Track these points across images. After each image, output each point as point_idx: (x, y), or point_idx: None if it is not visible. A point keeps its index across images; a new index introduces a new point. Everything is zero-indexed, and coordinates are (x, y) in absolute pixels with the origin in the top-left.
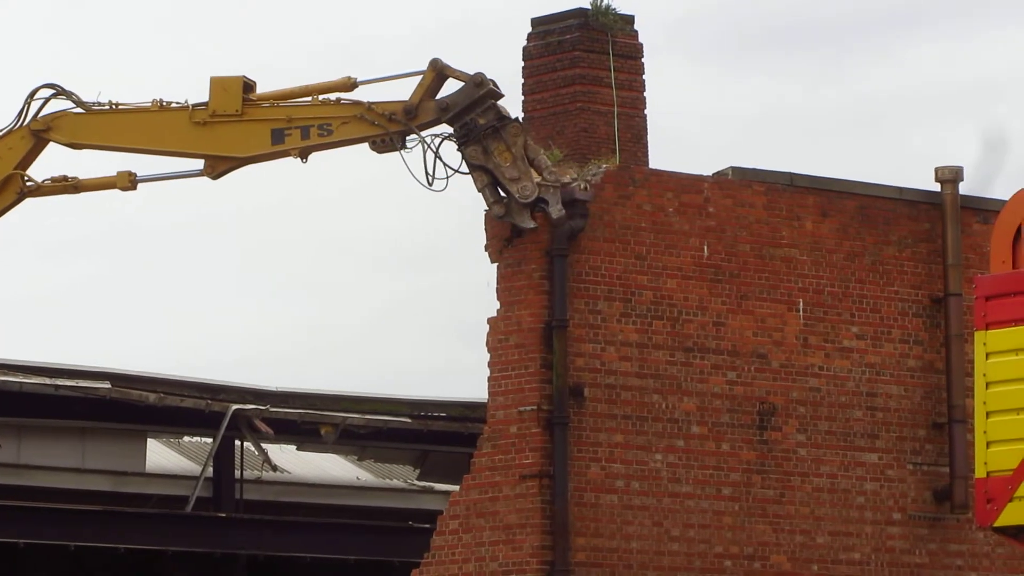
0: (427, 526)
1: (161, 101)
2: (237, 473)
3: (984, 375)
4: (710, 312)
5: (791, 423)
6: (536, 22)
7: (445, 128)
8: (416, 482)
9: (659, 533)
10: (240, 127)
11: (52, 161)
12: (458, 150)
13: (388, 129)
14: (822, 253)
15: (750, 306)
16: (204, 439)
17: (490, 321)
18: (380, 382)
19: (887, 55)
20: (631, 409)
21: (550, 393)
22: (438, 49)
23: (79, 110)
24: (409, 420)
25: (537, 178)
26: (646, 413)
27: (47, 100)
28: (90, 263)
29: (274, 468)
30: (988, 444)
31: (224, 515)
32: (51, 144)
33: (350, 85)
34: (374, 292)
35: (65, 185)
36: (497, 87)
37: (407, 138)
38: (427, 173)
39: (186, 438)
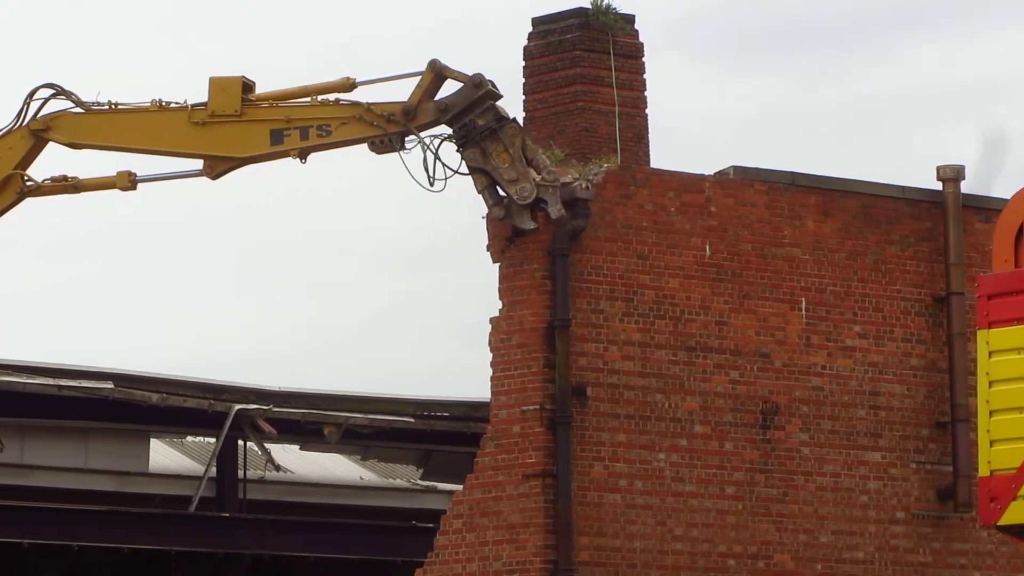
0: (430, 526)
1: (160, 101)
2: (240, 473)
3: (987, 374)
4: (712, 311)
5: (794, 422)
6: (537, 22)
7: (444, 129)
8: (419, 482)
9: (662, 532)
10: (239, 127)
11: (52, 161)
12: (457, 151)
13: (387, 130)
14: (824, 252)
15: (752, 305)
16: (207, 439)
17: (492, 321)
18: (380, 382)
19: (887, 55)
20: (634, 408)
21: (553, 393)
22: (438, 49)
23: (79, 110)
24: (412, 420)
25: (537, 177)
26: (649, 412)
27: (47, 100)
28: (90, 263)
29: (277, 468)
30: (991, 443)
31: (227, 515)
32: (51, 144)
33: (349, 86)
34: (374, 292)
35: (65, 185)
36: (496, 88)
37: (406, 139)
38: (427, 174)
39: (189, 438)
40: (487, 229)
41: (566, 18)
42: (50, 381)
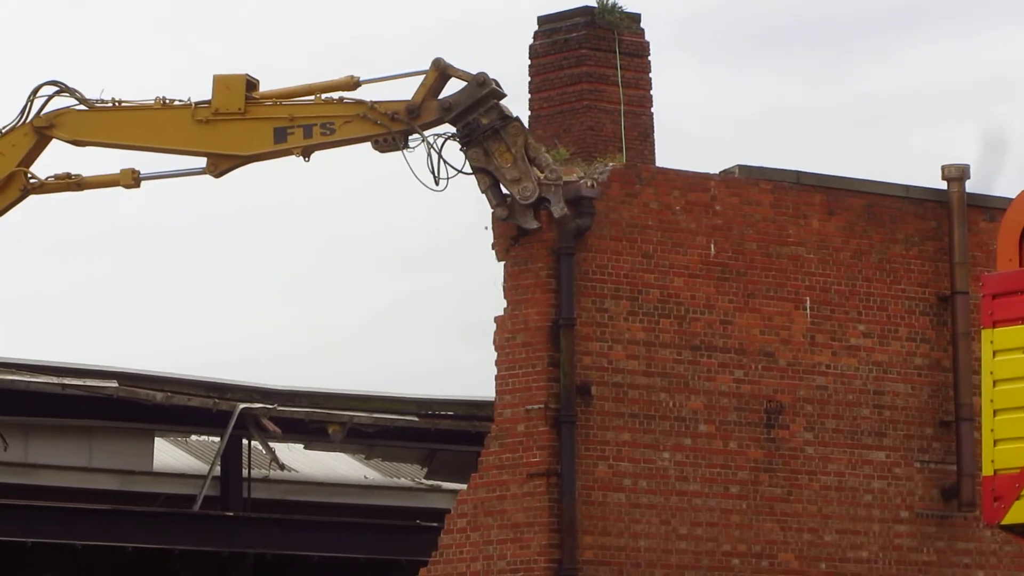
0: (435, 525)
1: (164, 99)
2: (245, 472)
3: (991, 373)
4: (717, 310)
5: (798, 421)
6: (542, 20)
7: (448, 128)
8: (424, 481)
9: (667, 531)
10: (243, 125)
11: (55, 158)
12: (461, 150)
13: (391, 128)
14: (829, 251)
15: (757, 304)
16: (211, 438)
17: (497, 320)
18: (381, 382)
19: (887, 55)
20: (638, 407)
21: (557, 391)
22: (438, 49)
23: (82, 107)
24: (416, 419)
25: (539, 176)
26: (653, 411)
27: (50, 97)
28: (90, 263)
29: (281, 467)
30: (995, 442)
31: (232, 514)
32: (54, 141)
33: (353, 84)
34: (375, 292)
35: (68, 182)
36: (499, 87)
37: (409, 137)
38: (431, 173)
39: (193, 437)
40: (492, 227)
41: (572, 17)
42: (54, 380)
